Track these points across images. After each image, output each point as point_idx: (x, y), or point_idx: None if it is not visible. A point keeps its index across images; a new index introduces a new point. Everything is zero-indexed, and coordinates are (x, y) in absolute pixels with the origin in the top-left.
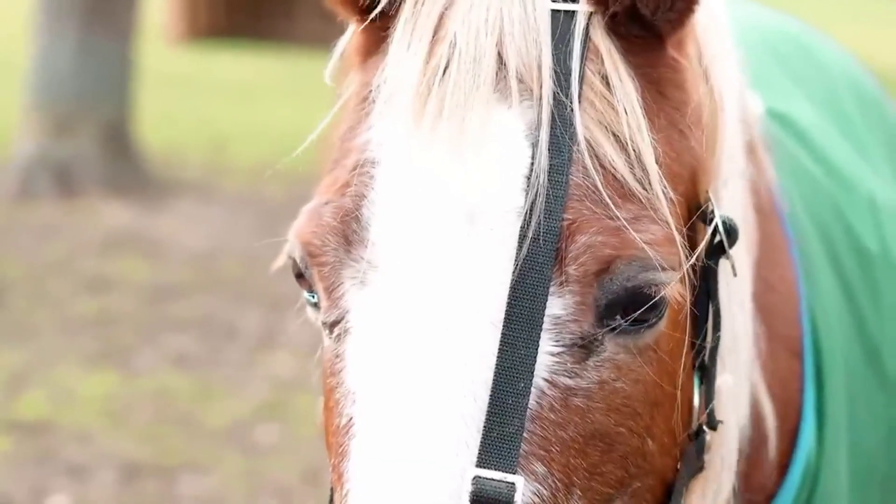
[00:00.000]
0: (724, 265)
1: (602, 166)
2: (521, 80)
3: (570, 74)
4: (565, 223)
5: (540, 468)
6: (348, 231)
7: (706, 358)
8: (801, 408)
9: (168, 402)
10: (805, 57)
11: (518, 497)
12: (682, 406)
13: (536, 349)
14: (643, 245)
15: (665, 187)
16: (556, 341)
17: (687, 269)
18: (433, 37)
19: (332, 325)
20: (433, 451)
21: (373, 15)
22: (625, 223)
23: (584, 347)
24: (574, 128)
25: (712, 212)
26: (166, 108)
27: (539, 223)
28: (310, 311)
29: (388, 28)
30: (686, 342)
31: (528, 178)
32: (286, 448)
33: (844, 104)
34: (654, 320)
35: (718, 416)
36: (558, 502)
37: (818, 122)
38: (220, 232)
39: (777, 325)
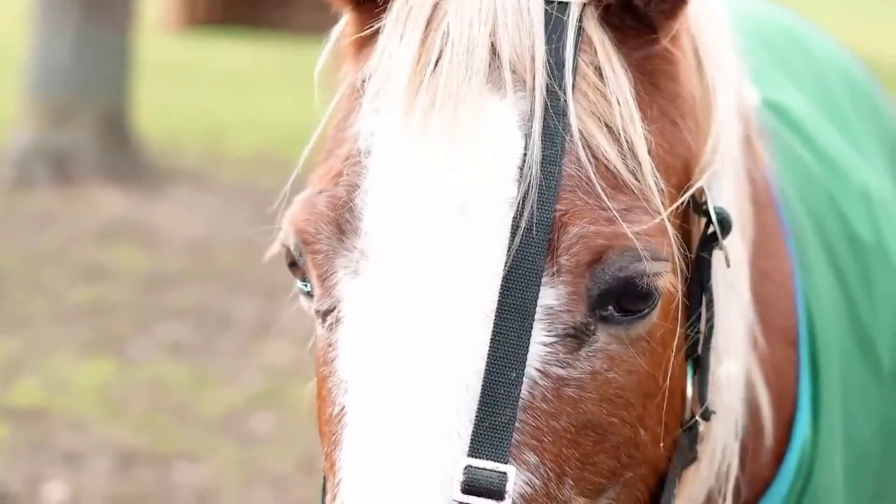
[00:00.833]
0: (717, 256)
1: (595, 157)
2: (514, 71)
3: (564, 65)
4: (558, 214)
5: (532, 458)
6: (341, 220)
7: (699, 348)
8: (796, 397)
9: (163, 391)
10: (797, 48)
11: (509, 486)
12: (674, 396)
13: (528, 339)
14: (635, 235)
15: (657, 178)
16: (549, 331)
17: (679, 260)
18: (426, 27)
19: (324, 314)
20: (425, 440)
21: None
22: (617, 214)
23: (576, 338)
24: (567, 119)
25: (705, 203)
26: (163, 97)
27: (532, 214)
28: (303, 299)
29: (382, 18)
30: (679, 333)
31: (521, 169)
32: (281, 437)
33: (836, 95)
34: (646, 311)
35: (720, 405)
36: (550, 492)
37: (811, 112)
38: (216, 221)
39: (773, 315)
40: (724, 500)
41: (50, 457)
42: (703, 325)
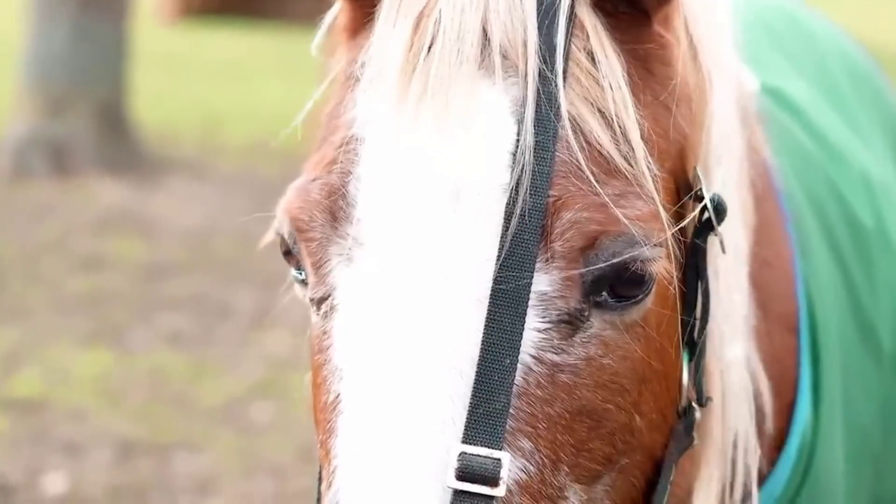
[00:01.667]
0: (713, 242)
1: (588, 143)
2: (505, 57)
3: (556, 51)
4: (551, 200)
5: (527, 444)
6: (335, 208)
7: (696, 335)
8: (796, 384)
9: (162, 381)
10: (798, 33)
11: (504, 473)
12: (670, 383)
13: (522, 326)
14: (628, 221)
15: (650, 163)
16: (543, 317)
17: (674, 246)
18: (418, 14)
19: (319, 302)
20: (419, 427)
21: None
22: (610, 199)
23: (570, 324)
24: (559, 104)
25: (700, 189)
26: (160, 87)
27: (525, 200)
28: (298, 288)
29: (375, 5)
30: (675, 319)
31: (514, 155)
32: (281, 426)
33: (837, 80)
34: (640, 296)
35: (724, 390)
36: (545, 478)
37: (811, 97)
38: (214, 211)
39: (773, 302)
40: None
41: (50, 447)
42: (698, 312)
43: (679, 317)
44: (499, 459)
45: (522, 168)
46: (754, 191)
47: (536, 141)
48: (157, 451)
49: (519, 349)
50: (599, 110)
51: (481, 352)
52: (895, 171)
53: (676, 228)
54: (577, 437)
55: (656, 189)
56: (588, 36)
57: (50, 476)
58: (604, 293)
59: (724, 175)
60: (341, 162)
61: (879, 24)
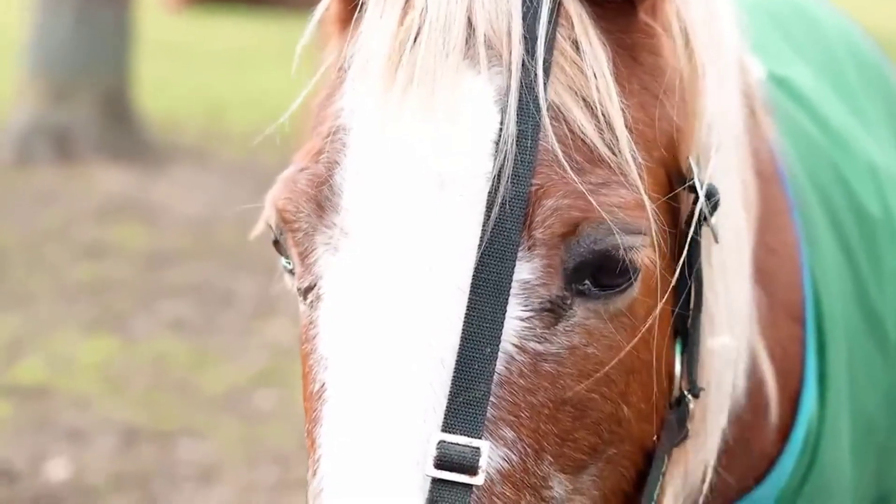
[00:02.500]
0: (706, 233)
1: (571, 131)
2: (490, 47)
3: (540, 40)
4: (534, 188)
5: (509, 433)
6: (321, 197)
7: (689, 325)
8: (802, 372)
9: (165, 369)
10: (804, 21)
11: (483, 461)
12: (661, 373)
13: (504, 314)
14: (612, 209)
15: (635, 152)
16: (525, 306)
17: (659, 236)
18: (405, 4)
19: (305, 292)
20: (400, 416)
21: None
22: (593, 188)
23: (552, 312)
24: (543, 93)
25: (693, 179)
26: (163, 75)
27: (507, 189)
28: (287, 277)
29: None
30: (666, 310)
31: (497, 144)
32: (284, 414)
33: (844, 69)
34: (624, 285)
35: (708, 378)
36: (528, 467)
37: (818, 86)
38: (217, 198)
39: (778, 290)
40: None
41: (53, 434)
42: (691, 303)
43: (670, 307)
44: (478, 448)
45: (505, 157)
46: (759, 178)
47: (519, 130)
48: (160, 439)
49: (500, 338)
50: (583, 99)
51: (462, 340)
52: None
53: (670, 220)
54: (561, 427)
55: (641, 178)
56: (573, 25)
57: (53, 463)
58: (587, 281)
59: (723, 163)
60: (328, 152)
61: (886, 11)
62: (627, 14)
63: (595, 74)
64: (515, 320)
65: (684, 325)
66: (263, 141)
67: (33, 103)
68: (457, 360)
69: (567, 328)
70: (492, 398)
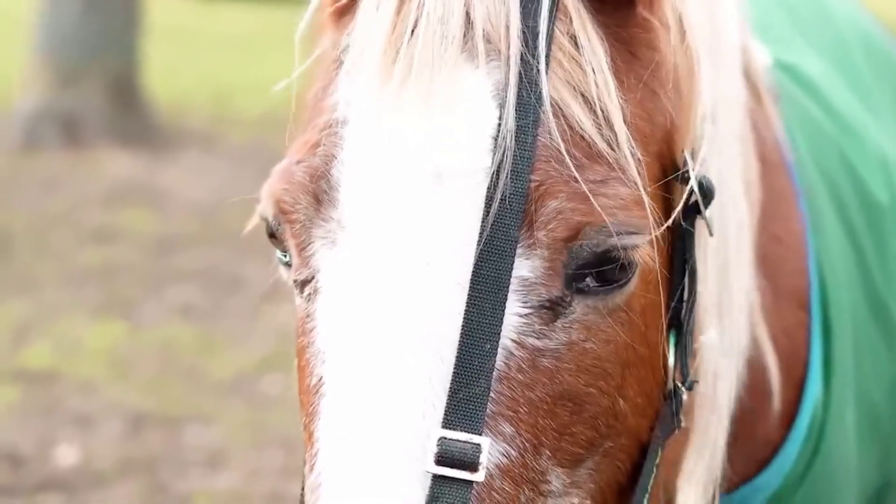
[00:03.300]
0: (700, 225)
1: (570, 127)
2: (488, 41)
3: (538, 35)
4: (533, 184)
5: (508, 429)
6: (318, 190)
7: (682, 318)
8: (807, 359)
9: (173, 354)
10: (816, 10)
11: (483, 458)
12: (655, 366)
13: (503, 310)
14: (613, 211)
15: (633, 148)
16: (524, 303)
17: (655, 229)
18: None
19: (302, 285)
20: (400, 411)
21: None
22: (593, 185)
23: (552, 310)
24: (541, 88)
25: (687, 172)
26: (172, 60)
27: (506, 184)
28: (282, 270)
29: None
30: (661, 303)
31: (496, 139)
32: (291, 399)
33: (854, 57)
34: (623, 281)
35: (701, 373)
36: (527, 462)
37: (826, 73)
38: (225, 183)
39: (784, 277)
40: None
41: (61, 419)
42: (685, 295)
43: (665, 300)
44: (478, 444)
45: (504, 152)
46: (764, 166)
47: (518, 125)
48: (167, 424)
49: (499, 334)
50: (582, 94)
51: (461, 336)
52: None
53: (666, 214)
54: (559, 422)
55: (639, 173)
56: (571, 19)
57: (61, 448)
58: (587, 280)
59: (724, 154)
60: (325, 145)
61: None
62: (625, 8)
63: (593, 69)
64: (514, 316)
65: (678, 317)
66: (271, 126)
67: (41, 88)
68: (457, 356)
69: (566, 324)
70: (491, 394)
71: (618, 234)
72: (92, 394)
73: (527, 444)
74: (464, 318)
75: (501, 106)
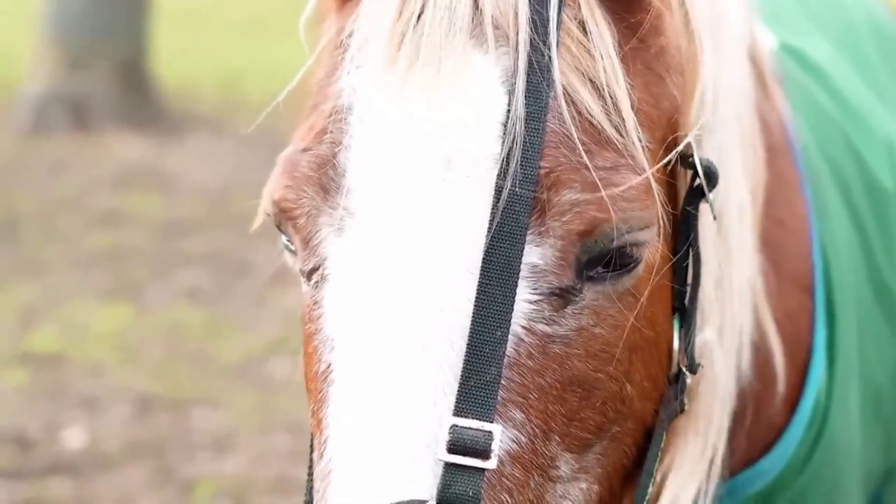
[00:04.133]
0: (705, 209)
1: (578, 113)
2: (496, 27)
3: (547, 21)
4: (542, 171)
5: (518, 415)
6: (325, 179)
7: (687, 301)
8: (811, 343)
9: (181, 337)
10: None
11: (495, 445)
12: (661, 350)
13: (514, 297)
14: (625, 205)
15: (641, 134)
16: (534, 289)
17: (662, 215)
18: None
19: (309, 273)
20: (410, 399)
21: None
22: (604, 173)
23: (562, 297)
24: (550, 75)
25: (692, 156)
26: (180, 43)
27: (516, 171)
28: (287, 255)
29: None
30: (666, 287)
31: (505, 126)
32: (298, 383)
33: (863, 44)
34: (632, 265)
35: (704, 356)
36: (536, 448)
37: (834, 60)
38: (233, 167)
39: (787, 261)
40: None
41: (68, 403)
42: (689, 279)
43: (670, 284)
44: (490, 432)
45: (513, 139)
46: (769, 151)
47: (527, 111)
48: (174, 407)
49: (510, 321)
50: (590, 80)
51: (472, 323)
52: None
53: (671, 199)
54: (568, 407)
55: (647, 160)
56: (579, 5)
57: (68, 431)
58: (597, 268)
59: (726, 139)
60: (331, 132)
61: None
62: None
63: (601, 55)
64: (525, 303)
65: (682, 301)
66: (279, 109)
67: (49, 72)
68: (468, 343)
69: (576, 310)
70: (501, 381)
71: (632, 232)
72: (99, 377)
73: (537, 431)
74: (474, 305)
75: (510, 92)
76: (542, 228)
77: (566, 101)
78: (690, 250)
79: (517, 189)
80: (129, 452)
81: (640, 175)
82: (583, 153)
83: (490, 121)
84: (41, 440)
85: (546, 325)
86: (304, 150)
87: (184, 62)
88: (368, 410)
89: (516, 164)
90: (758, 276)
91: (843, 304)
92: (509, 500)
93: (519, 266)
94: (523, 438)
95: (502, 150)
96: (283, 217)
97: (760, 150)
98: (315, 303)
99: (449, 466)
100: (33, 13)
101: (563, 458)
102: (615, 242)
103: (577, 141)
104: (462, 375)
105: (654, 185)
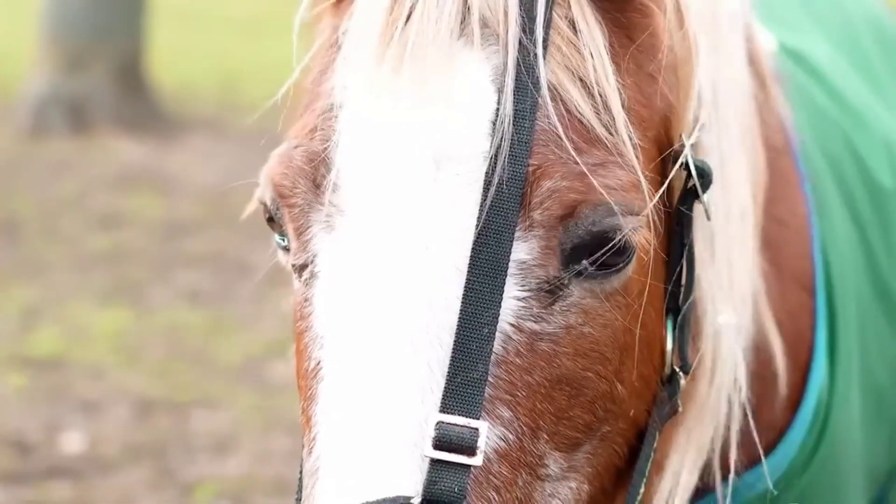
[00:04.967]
0: (699, 209)
1: (568, 111)
2: (486, 25)
3: (536, 19)
4: (531, 168)
5: (506, 413)
6: (317, 175)
7: (680, 302)
8: (812, 342)
9: (181, 338)
10: None
11: (481, 442)
12: (653, 351)
13: (501, 294)
14: (608, 190)
15: (631, 132)
16: (522, 286)
17: (654, 214)
18: None
19: (300, 269)
20: (397, 396)
21: None
22: (590, 169)
23: (550, 292)
24: (540, 73)
25: (685, 156)
26: (179, 43)
27: (504, 168)
28: (281, 254)
29: None
30: (658, 287)
31: (494, 124)
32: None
33: (863, 43)
34: (620, 265)
35: (716, 356)
36: (524, 446)
37: (834, 59)
38: (233, 168)
39: (788, 260)
40: (729, 450)
41: (68, 405)
42: (683, 279)
43: (662, 285)
44: (476, 429)
45: (502, 137)
46: (768, 150)
47: (516, 110)
48: (175, 409)
49: (497, 318)
50: (580, 79)
51: (459, 321)
52: None
53: (657, 198)
54: (556, 406)
55: (637, 158)
56: (569, 4)
57: (68, 433)
58: (584, 262)
59: (726, 138)
60: (322, 129)
61: None
62: None
63: (591, 54)
64: (512, 300)
65: (676, 302)
66: (279, 110)
67: (48, 73)
68: (455, 341)
69: (564, 308)
70: (489, 378)
71: (614, 215)
72: (99, 379)
73: (524, 428)
74: (462, 302)
75: (500, 90)
76: (528, 223)
77: (555, 100)
78: (684, 251)
79: (505, 187)
80: (129, 454)
81: (628, 170)
82: (572, 151)
83: (479, 119)
84: (41, 443)
85: (534, 322)
86: (297, 146)
87: (183, 62)
88: (356, 408)
89: (505, 161)
90: (758, 276)
91: (843, 303)
92: (496, 498)
93: (507, 263)
94: (511, 436)
95: (491, 147)
96: (281, 202)
97: (761, 150)
98: (305, 300)
99: (435, 463)
100: (32, 14)
101: (552, 456)
102: (597, 225)
103: (565, 139)
104: (449, 372)
105: (643, 181)
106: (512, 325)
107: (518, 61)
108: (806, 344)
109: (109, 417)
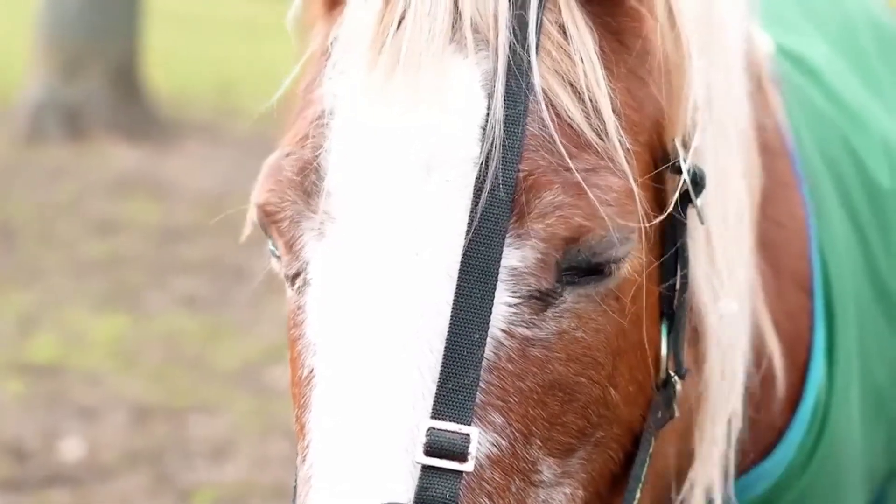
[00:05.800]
0: (692, 214)
1: (558, 116)
2: (476, 31)
3: (527, 25)
4: (522, 174)
5: (498, 419)
6: (307, 182)
7: (674, 306)
8: (810, 343)
9: (178, 344)
10: None
11: (472, 448)
12: (648, 356)
13: (492, 300)
14: (608, 210)
15: (622, 137)
16: (514, 292)
17: (645, 220)
18: None
19: (293, 277)
20: (389, 403)
21: None
22: (584, 175)
23: (542, 300)
24: (530, 78)
25: (679, 161)
26: (174, 47)
27: (495, 174)
28: (273, 262)
29: None
30: (652, 291)
31: (484, 129)
32: None
33: (862, 44)
34: (614, 269)
35: (722, 347)
36: (517, 452)
37: (832, 60)
38: (229, 173)
39: (785, 261)
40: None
41: (65, 411)
42: (677, 283)
43: (656, 289)
44: (467, 435)
45: (492, 142)
46: (766, 153)
47: (506, 115)
48: (172, 415)
49: (488, 324)
50: (570, 84)
51: (450, 327)
52: None
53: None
54: (549, 411)
55: (628, 163)
56: (560, 9)
57: (66, 440)
58: (576, 277)
59: (722, 142)
60: (314, 136)
61: None
62: None
63: (582, 59)
64: (504, 306)
65: (670, 306)
66: (274, 115)
67: (44, 78)
68: (446, 347)
69: (556, 313)
70: (481, 384)
71: (614, 246)
72: (97, 385)
73: (517, 434)
74: (452, 308)
75: (490, 96)
76: (522, 231)
77: (546, 105)
78: (678, 255)
79: (496, 192)
80: (127, 461)
81: (619, 176)
82: (563, 156)
83: (469, 124)
84: (39, 450)
85: (526, 328)
86: (288, 154)
87: (178, 67)
88: (348, 415)
89: (495, 167)
90: (756, 277)
91: (842, 304)
92: None
93: (497, 269)
94: (503, 442)
95: (481, 153)
96: (268, 221)
97: (758, 152)
98: (298, 307)
99: (426, 469)
100: (28, 19)
101: (546, 462)
102: (596, 257)
103: (556, 144)
104: (440, 378)
105: (635, 187)
106: (503, 330)
107: (508, 66)
108: (804, 344)
109: (107, 423)
